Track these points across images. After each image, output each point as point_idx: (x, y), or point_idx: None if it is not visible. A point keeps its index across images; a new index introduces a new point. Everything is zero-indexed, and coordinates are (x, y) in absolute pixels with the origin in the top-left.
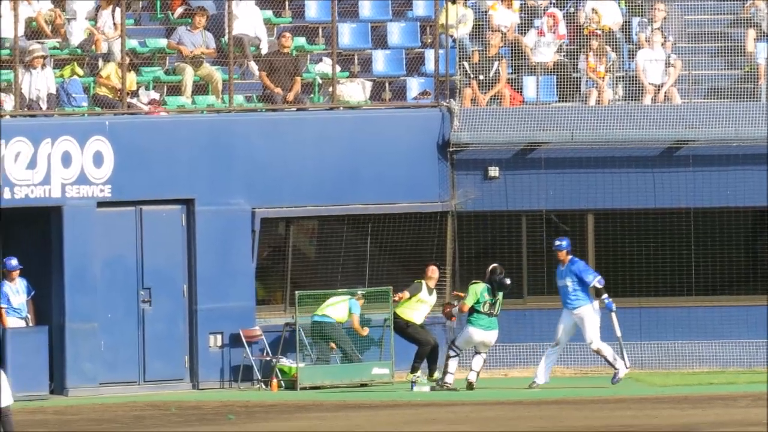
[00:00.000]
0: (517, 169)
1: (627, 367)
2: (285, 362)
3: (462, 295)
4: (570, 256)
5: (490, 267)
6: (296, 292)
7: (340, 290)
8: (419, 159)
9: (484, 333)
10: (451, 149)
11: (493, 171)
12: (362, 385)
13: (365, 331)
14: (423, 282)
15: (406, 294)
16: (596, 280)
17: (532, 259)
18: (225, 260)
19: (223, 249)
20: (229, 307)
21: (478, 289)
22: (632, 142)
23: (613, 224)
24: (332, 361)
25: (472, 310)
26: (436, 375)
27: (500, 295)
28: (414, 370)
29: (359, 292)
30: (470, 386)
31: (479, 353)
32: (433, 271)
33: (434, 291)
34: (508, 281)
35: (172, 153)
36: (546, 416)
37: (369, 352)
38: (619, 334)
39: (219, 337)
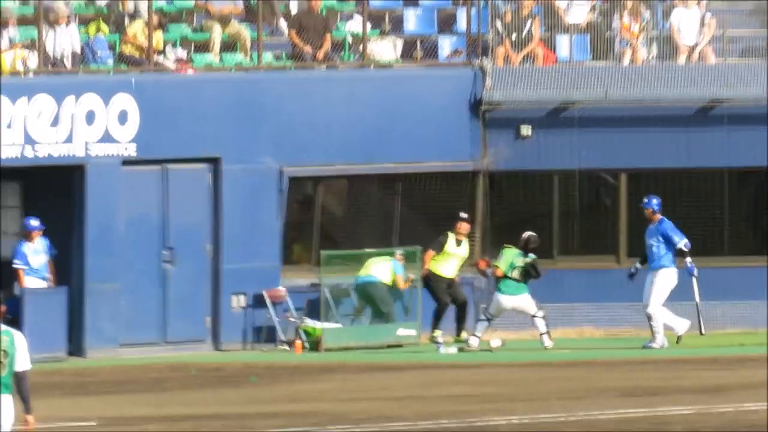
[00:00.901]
0: (550, 128)
1: (701, 333)
2: (309, 323)
3: (492, 264)
4: (660, 216)
5: (526, 236)
6: (322, 252)
7: (367, 250)
8: (450, 118)
9: (513, 299)
10: (483, 108)
11: (526, 130)
12: (388, 347)
13: (407, 284)
14: (450, 234)
15: (431, 253)
16: (683, 243)
17: (563, 219)
18: (251, 220)
19: (249, 209)
20: (254, 267)
21: (511, 255)
22: (666, 102)
23: (646, 184)
24: (356, 323)
25: (502, 276)
26: (464, 335)
27: (531, 261)
28: (433, 328)
29: (398, 252)
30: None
31: (534, 316)
32: (461, 225)
33: (465, 242)
34: (540, 270)
35: (199, 111)
36: (574, 377)
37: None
38: (698, 299)
39: (242, 297)
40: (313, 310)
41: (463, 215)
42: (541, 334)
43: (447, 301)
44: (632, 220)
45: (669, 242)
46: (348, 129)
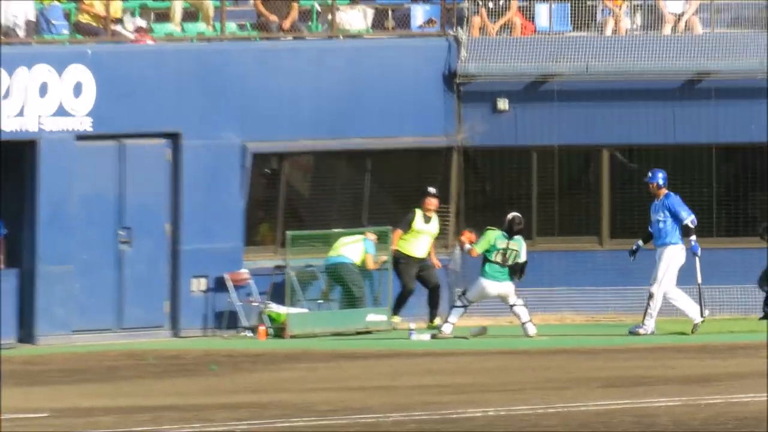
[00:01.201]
0: (528, 102)
1: (702, 317)
2: (274, 308)
3: (473, 239)
4: (666, 191)
5: (510, 216)
6: (287, 232)
7: (335, 231)
8: (423, 91)
9: (498, 285)
10: (457, 81)
11: (503, 104)
12: (357, 333)
13: (377, 265)
14: (418, 211)
15: (399, 232)
16: (690, 219)
17: (543, 198)
18: (212, 198)
19: (210, 186)
20: (216, 248)
21: (493, 237)
22: (651, 74)
23: (629, 161)
24: (323, 307)
25: (485, 260)
26: (437, 321)
27: (518, 244)
28: (393, 313)
29: (371, 231)
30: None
31: (514, 305)
32: (429, 201)
33: (435, 219)
34: (522, 259)
35: (159, 84)
36: (553, 366)
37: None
38: (700, 280)
39: (203, 280)
40: (278, 294)
41: (431, 190)
42: (524, 323)
43: (412, 287)
44: (615, 199)
45: (676, 218)
46: (315, 103)
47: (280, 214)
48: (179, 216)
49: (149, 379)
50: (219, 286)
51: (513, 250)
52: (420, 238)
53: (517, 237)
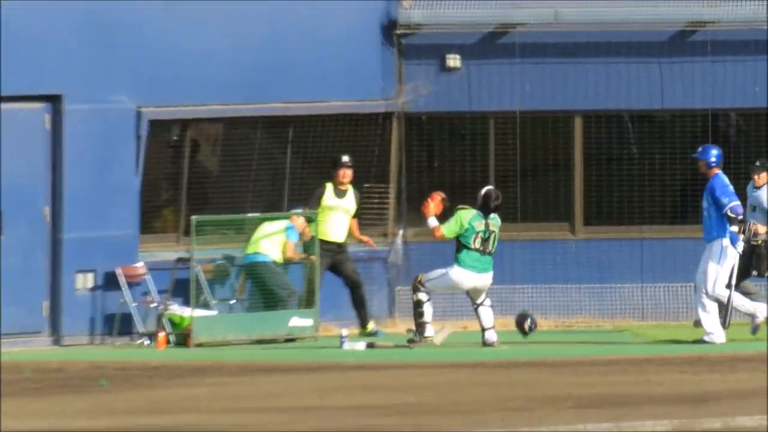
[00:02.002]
0: (485, 58)
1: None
2: (176, 310)
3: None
4: (717, 171)
5: (484, 191)
6: (192, 217)
7: (250, 215)
8: (357, 45)
9: (476, 277)
10: (398, 32)
11: (453, 60)
12: (276, 341)
13: (297, 255)
14: (328, 185)
15: (302, 221)
16: (729, 208)
17: (502, 176)
18: (101, 175)
19: (98, 161)
20: (105, 237)
21: (467, 217)
22: (633, 24)
23: (608, 130)
24: (236, 309)
25: (461, 246)
26: (371, 326)
27: (496, 224)
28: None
29: (298, 213)
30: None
31: (481, 304)
32: (343, 172)
33: (351, 193)
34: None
35: (36, 38)
36: (516, 382)
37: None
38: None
39: (90, 276)
40: (181, 292)
41: (345, 159)
42: (486, 329)
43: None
44: (591, 177)
45: (718, 205)
46: (226, 60)
47: (184, 196)
48: (60, 197)
49: (25, 396)
50: (109, 283)
51: (493, 232)
52: (333, 216)
53: (494, 216)
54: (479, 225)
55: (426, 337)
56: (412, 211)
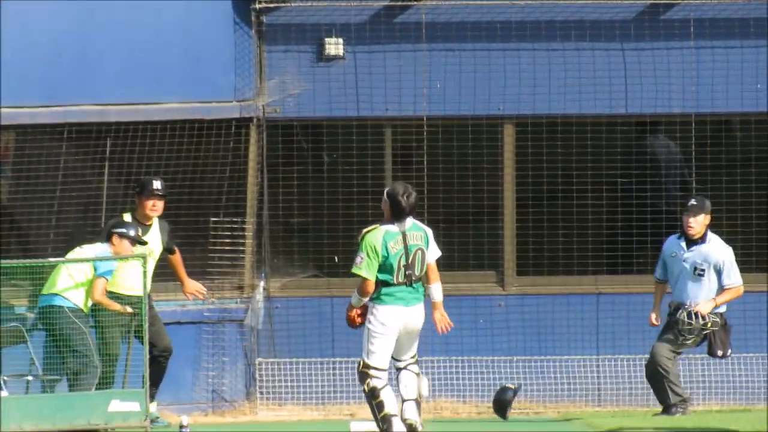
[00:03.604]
0: (378, 43)
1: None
2: None
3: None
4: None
5: (386, 190)
6: None
7: (51, 261)
8: (200, 28)
9: (403, 312)
10: (257, 6)
11: (335, 46)
12: None
13: (125, 309)
14: (127, 216)
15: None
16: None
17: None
18: None
19: None
20: None
21: (377, 239)
22: None
23: (551, 141)
24: (35, 388)
25: (379, 284)
26: (153, 407)
27: (420, 234)
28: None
29: (120, 232)
30: None
31: (403, 368)
32: (153, 204)
33: (155, 227)
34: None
35: None
36: None
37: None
38: None
39: None
40: None
41: (157, 185)
42: (405, 401)
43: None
44: (525, 209)
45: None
46: (22, 52)
47: None
48: None
49: None
50: None
51: (417, 247)
52: (131, 262)
53: (412, 223)
54: (395, 245)
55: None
56: (278, 255)
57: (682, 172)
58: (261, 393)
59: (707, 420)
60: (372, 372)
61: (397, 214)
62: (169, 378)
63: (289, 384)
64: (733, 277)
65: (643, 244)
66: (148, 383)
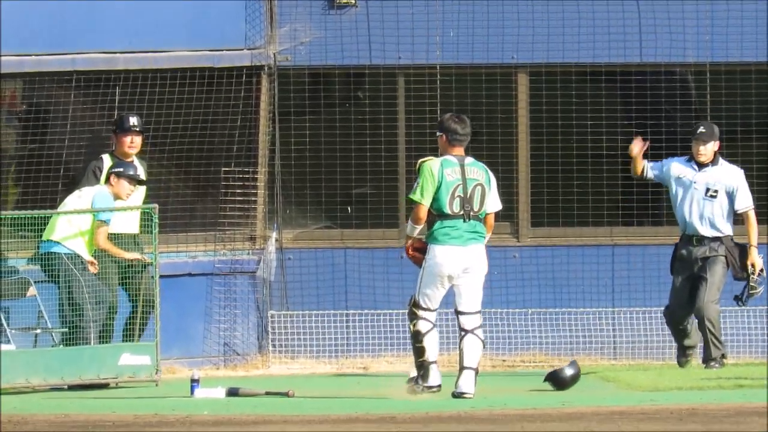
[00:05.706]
0: None
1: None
2: None
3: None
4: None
5: (442, 118)
6: None
7: (59, 212)
8: None
9: (460, 252)
10: None
11: None
12: (99, 387)
13: (133, 256)
14: (106, 156)
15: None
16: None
17: (418, 154)
18: None
19: None
20: None
21: (435, 168)
22: None
23: (565, 89)
24: (43, 342)
25: (433, 216)
26: None
27: (481, 171)
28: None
29: (118, 171)
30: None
31: (470, 332)
32: (131, 140)
33: (136, 164)
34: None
35: None
36: None
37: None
38: None
39: None
40: None
41: (133, 121)
42: (464, 369)
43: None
44: (540, 158)
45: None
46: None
47: None
48: None
49: None
50: None
51: (476, 182)
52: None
53: (474, 160)
54: (452, 173)
55: (429, 387)
56: (290, 205)
57: (697, 121)
58: (273, 346)
59: (741, 372)
60: (420, 313)
61: (454, 141)
62: (180, 331)
63: (301, 337)
64: (747, 201)
65: (658, 195)
66: (159, 336)
